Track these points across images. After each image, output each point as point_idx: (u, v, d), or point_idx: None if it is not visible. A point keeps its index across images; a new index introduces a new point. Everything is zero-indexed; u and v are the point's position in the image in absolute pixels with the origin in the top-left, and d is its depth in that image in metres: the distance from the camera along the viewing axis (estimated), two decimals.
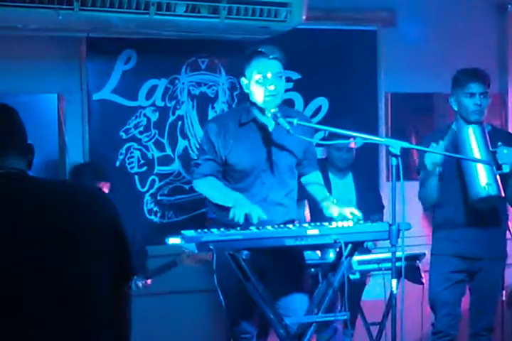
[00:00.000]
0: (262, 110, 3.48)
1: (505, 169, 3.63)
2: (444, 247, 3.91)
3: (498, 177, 3.65)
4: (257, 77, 3.41)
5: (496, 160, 3.67)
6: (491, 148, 3.70)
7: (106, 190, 3.81)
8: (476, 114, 3.80)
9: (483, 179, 3.62)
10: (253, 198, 3.44)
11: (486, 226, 3.85)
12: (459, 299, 3.94)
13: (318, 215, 3.74)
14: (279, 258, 3.38)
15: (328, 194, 3.64)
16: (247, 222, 3.21)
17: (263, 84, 3.40)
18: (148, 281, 4.05)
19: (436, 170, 3.74)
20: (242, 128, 3.50)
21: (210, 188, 3.51)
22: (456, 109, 3.88)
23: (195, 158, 4.38)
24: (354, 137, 3.70)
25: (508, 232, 4.03)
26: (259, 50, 3.41)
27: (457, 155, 3.66)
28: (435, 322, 3.95)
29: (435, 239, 4.00)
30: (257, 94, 3.44)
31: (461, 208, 3.83)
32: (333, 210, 3.41)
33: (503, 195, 3.66)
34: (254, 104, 3.50)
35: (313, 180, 3.69)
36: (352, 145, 4.39)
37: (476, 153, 3.68)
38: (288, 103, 4.68)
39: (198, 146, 4.40)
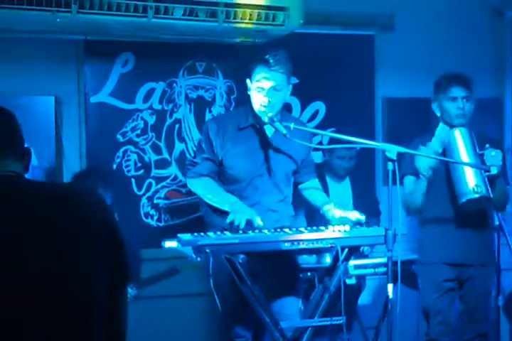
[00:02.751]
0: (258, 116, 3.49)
1: (493, 171, 3.62)
2: (432, 254, 3.87)
3: (486, 179, 3.64)
4: (256, 84, 3.43)
5: (484, 162, 3.67)
6: (478, 151, 3.70)
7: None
8: (459, 118, 3.79)
9: (471, 181, 3.61)
10: (245, 202, 3.43)
11: (474, 229, 3.83)
12: (451, 307, 3.91)
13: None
14: (272, 262, 3.38)
15: (328, 199, 3.63)
16: (248, 226, 3.20)
17: (260, 92, 3.42)
18: (144, 288, 4.03)
19: (430, 173, 3.71)
20: (240, 133, 3.50)
21: (206, 189, 3.49)
22: (438, 114, 3.88)
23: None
24: (352, 142, 3.68)
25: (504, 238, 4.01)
26: (266, 57, 3.39)
27: (449, 159, 3.63)
28: (428, 331, 3.90)
29: (422, 244, 3.95)
30: (255, 100, 3.47)
31: (449, 210, 3.81)
32: (336, 213, 3.40)
33: (491, 196, 3.64)
34: (253, 109, 3.51)
35: (311, 185, 3.69)
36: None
37: (464, 156, 3.66)
38: (285, 107, 4.67)
39: (195, 149, 4.40)
